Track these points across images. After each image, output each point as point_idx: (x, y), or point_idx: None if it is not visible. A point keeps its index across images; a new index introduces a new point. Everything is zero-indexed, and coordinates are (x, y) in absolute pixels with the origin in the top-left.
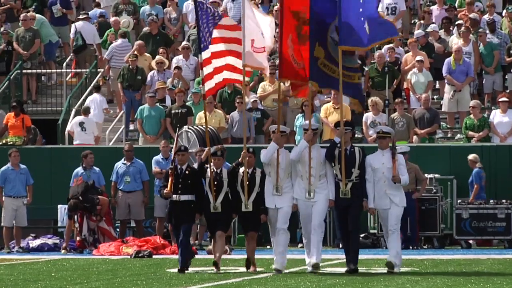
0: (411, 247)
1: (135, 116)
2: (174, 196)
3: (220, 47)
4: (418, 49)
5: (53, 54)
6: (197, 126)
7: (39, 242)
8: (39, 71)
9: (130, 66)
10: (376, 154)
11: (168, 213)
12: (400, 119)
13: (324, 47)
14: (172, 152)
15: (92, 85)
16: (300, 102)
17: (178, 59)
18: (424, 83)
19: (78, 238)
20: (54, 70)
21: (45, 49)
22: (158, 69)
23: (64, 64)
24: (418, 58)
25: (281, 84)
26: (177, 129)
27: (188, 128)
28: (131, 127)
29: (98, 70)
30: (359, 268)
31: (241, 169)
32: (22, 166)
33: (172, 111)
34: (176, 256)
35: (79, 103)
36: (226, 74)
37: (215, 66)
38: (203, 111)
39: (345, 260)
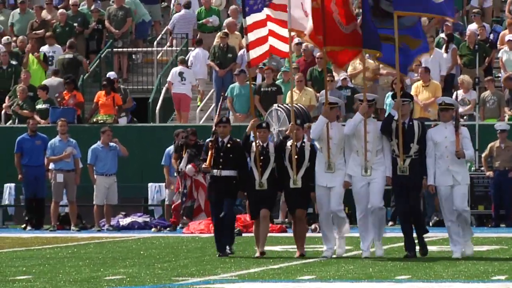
0: (503, 225)
1: (226, 94)
2: (215, 171)
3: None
4: None
5: (146, 33)
6: (287, 104)
7: (129, 220)
8: (130, 49)
9: (221, 44)
10: (438, 127)
11: (208, 189)
12: (491, 97)
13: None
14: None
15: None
16: (390, 80)
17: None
18: None
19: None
20: (145, 49)
21: (137, 28)
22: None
23: (155, 43)
24: (508, 37)
25: (372, 62)
26: (221, 98)
27: (278, 106)
28: None
29: (189, 48)
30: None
31: (289, 143)
32: (111, 144)
33: (262, 89)
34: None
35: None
36: (271, 41)
37: (259, 36)
38: (293, 88)
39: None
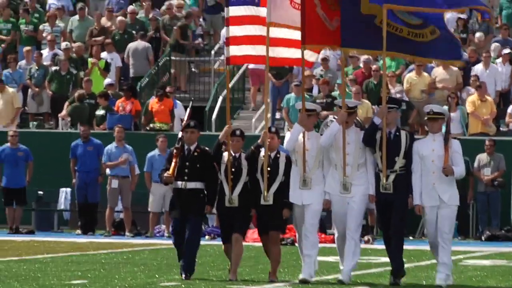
0: None
1: (282, 105)
2: (179, 182)
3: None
4: None
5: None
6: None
7: None
8: (187, 58)
9: None
10: (425, 140)
11: (170, 203)
12: None
13: (379, 2)
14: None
15: None
16: (446, 94)
17: (325, 50)
18: None
19: None
20: (203, 58)
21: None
22: None
23: (213, 52)
24: None
25: (427, 75)
26: (190, 103)
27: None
28: (277, 115)
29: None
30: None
31: (262, 153)
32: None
33: (317, 101)
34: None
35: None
36: (275, 51)
37: (246, 33)
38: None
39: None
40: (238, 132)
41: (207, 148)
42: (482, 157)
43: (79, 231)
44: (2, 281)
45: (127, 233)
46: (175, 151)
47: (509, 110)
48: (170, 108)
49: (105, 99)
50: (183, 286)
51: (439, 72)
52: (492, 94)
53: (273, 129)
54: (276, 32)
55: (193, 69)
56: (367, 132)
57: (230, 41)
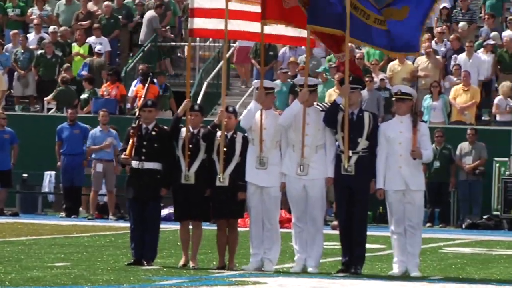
0: None
1: None
2: (136, 162)
3: None
4: None
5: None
6: (324, 103)
7: (166, 212)
8: (172, 44)
9: None
10: (392, 121)
11: (126, 185)
12: None
13: None
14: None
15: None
16: (428, 83)
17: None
18: None
19: None
20: (186, 43)
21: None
22: (291, 46)
23: (198, 39)
24: None
25: (411, 63)
26: (149, 79)
27: (317, 104)
28: None
29: (231, 45)
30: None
31: (218, 133)
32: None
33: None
34: None
35: (211, 76)
36: (240, 25)
37: (214, 6)
38: (333, 88)
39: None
40: (196, 107)
41: (165, 127)
42: (464, 146)
43: (63, 214)
44: None
45: (110, 217)
46: (131, 130)
47: (495, 101)
48: (155, 94)
49: (89, 83)
50: (165, 270)
51: (421, 60)
52: (475, 84)
53: (230, 109)
54: (237, 6)
55: (179, 54)
56: (328, 112)
57: (194, 12)
